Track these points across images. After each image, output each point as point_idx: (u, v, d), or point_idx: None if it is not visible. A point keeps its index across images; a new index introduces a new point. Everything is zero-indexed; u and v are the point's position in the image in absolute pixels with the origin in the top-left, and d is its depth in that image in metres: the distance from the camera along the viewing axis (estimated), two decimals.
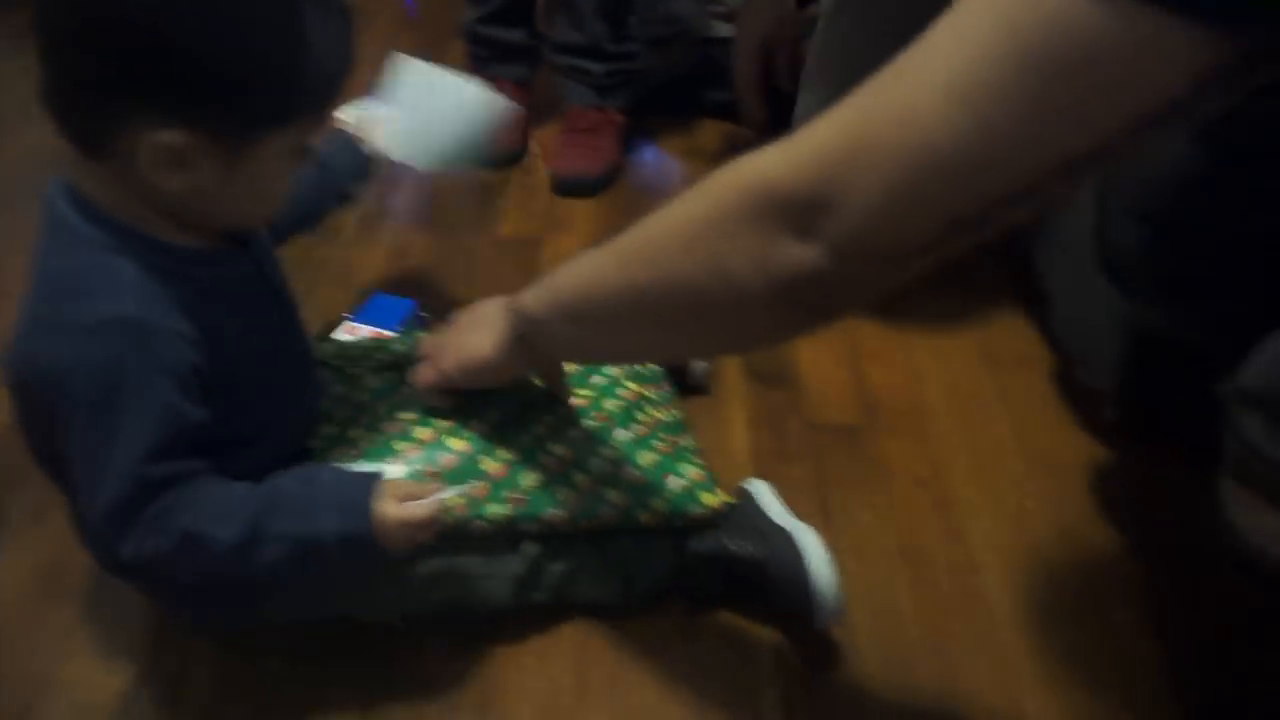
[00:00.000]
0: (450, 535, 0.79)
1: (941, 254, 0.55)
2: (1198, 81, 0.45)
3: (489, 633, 0.86)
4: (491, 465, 0.84)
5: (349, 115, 1.06)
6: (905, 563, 0.95)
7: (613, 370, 0.96)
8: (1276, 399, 0.68)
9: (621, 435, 0.90)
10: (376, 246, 1.40)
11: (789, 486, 0.94)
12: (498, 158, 1.59)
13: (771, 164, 0.58)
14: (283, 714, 0.80)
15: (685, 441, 0.92)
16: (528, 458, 0.85)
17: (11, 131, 1.63)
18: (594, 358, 0.92)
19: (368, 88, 1.12)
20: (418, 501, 0.72)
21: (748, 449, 1.08)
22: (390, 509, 0.71)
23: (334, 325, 1.14)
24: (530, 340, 0.79)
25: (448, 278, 1.34)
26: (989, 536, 0.98)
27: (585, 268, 0.72)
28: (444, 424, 0.86)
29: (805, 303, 0.59)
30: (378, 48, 1.97)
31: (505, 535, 0.83)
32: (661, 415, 0.94)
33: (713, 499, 0.87)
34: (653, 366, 1.03)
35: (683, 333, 0.70)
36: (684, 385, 1.08)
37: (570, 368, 0.94)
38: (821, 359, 1.19)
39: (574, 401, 0.92)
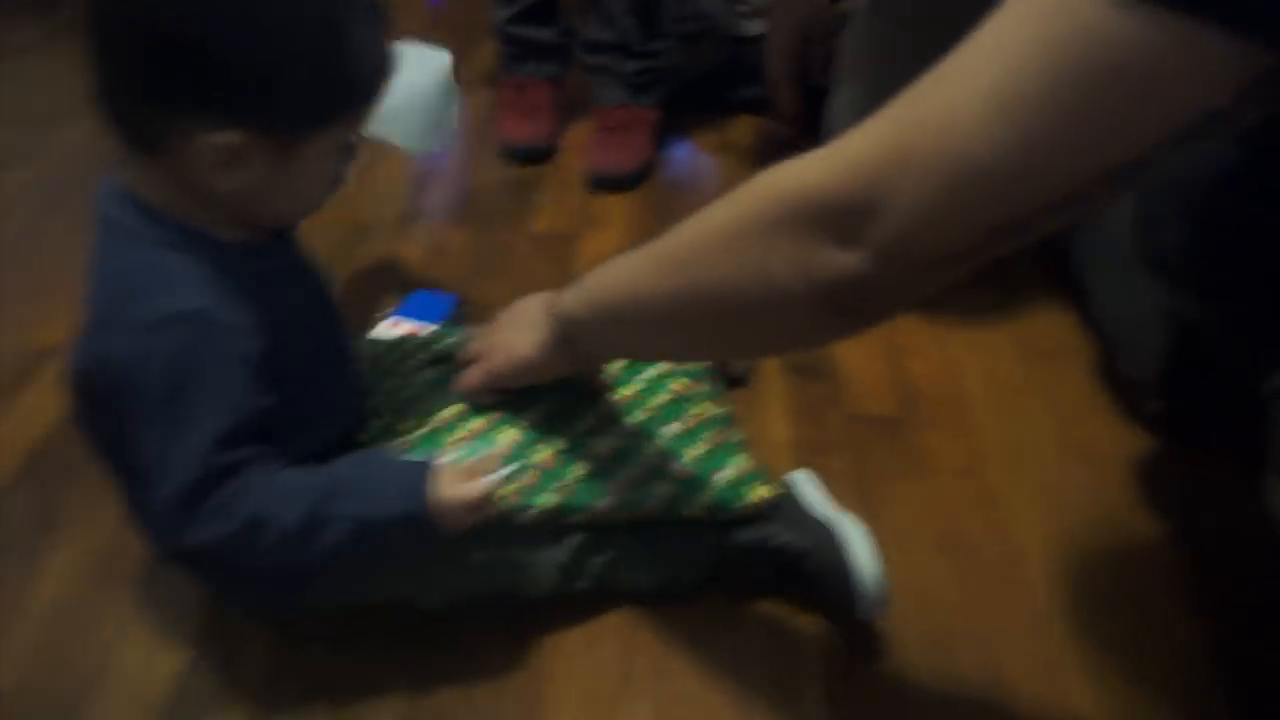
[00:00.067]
0: (498, 524, 0.80)
1: (983, 259, 0.55)
2: (1237, 92, 0.45)
3: (536, 620, 0.87)
4: (540, 456, 0.85)
5: None
6: (947, 553, 0.95)
7: (661, 366, 0.97)
8: None
9: (669, 429, 0.90)
10: (414, 243, 1.42)
11: (829, 478, 0.94)
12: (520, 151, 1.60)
13: (811, 171, 0.58)
14: (333, 699, 0.81)
15: (733, 436, 0.93)
16: (576, 449, 0.86)
17: (51, 130, 1.66)
18: (636, 357, 0.93)
19: None
20: (472, 482, 0.74)
21: (787, 441, 1.08)
22: (446, 490, 0.72)
23: (374, 321, 1.15)
24: (573, 341, 0.80)
25: (484, 273, 1.35)
26: (1031, 527, 0.98)
27: (625, 271, 0.73)
28: (493, 417, 0.87)
29: (847, 307, 0.60)
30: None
31: (552, 525, 0.84)
32: (709, 410, 0.94)
33: (760, 492, 0.87)
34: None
35: (723, 336, 0.71)
36: (724, 378, 1.08)
37: (618, 364, 0.95)
38: (860, 351, 1.19)
39: (622, 395, 0.92)
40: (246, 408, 0.69)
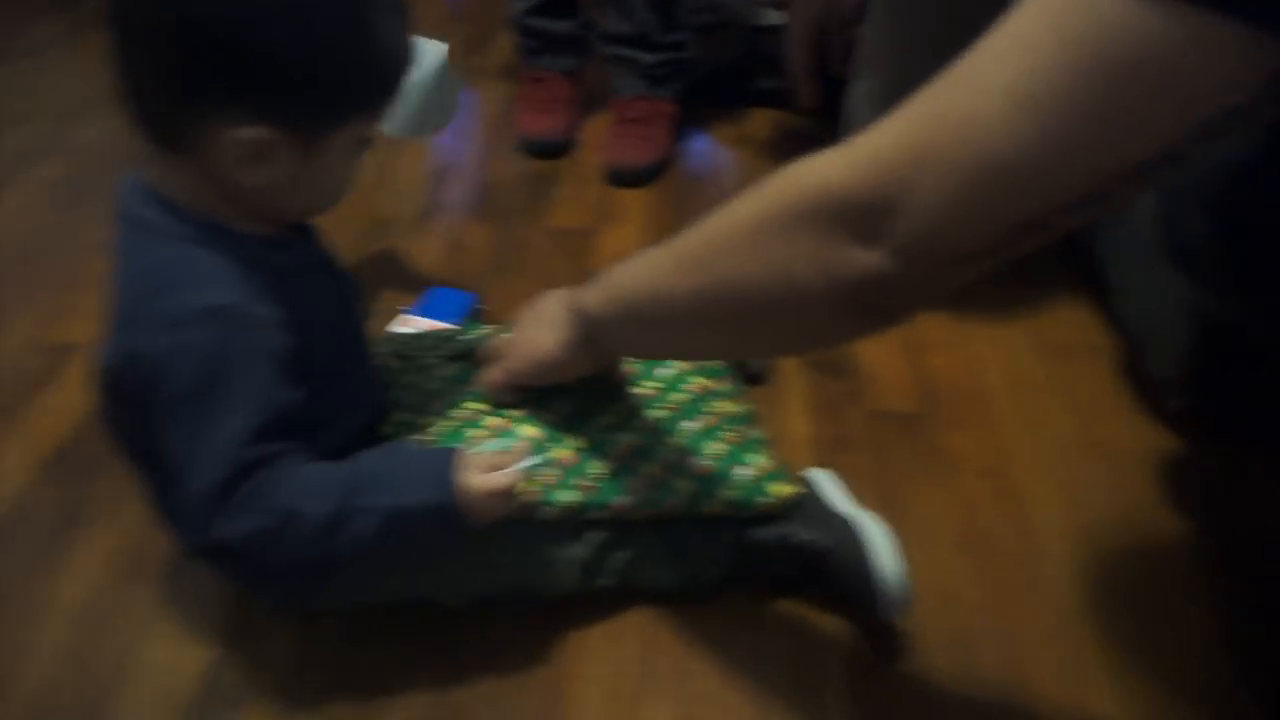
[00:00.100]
0: (520, 521, 0.80)
1: (1004, 257, 0.55)
2: (1261, 87, 0.45)
3: (557, 618, 0.87)
4: (561, 453, 0.85)
5: None
6: (969, 552, 0.95)
7: (679, 363, 0.97)
8: None
9: (689, 426, 0.90)
10: (432, 238, 1.42)
11: (850, 476, 0.94)
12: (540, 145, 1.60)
13: (832, 168, 0.58)
14: (356, 694, 0.82)
15: (753, 433, 0.92)
16: (597, 446, 0.86)
17: (74, 126, 1.67)
18: (657, 356, 0.93)
19: None
20: (499, 471, 0.74)
21: (808, 438, 1.08)
22: (473, 479, 0.73)
23: (394, 318, 1.15)
24: (594, 340, 0.80)
25: (502, 269, 1.35)
26: (1054, 526, 0.97)
27: (645, 269, 0.73)
28: (514, 413, 0.88)
29: (869, 306, 0.59)
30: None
31: (573, 522, 0.84)
32: (729, 407, 0.94)
33: (781, 489, 0.87)
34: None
35: (744, 335, 0.71)
36: (743, 376, 1.08)
37: (637, 361, 0.95)
38: (881, 348, 1.19)
39: (641, 392, 0.92)
40: (275, 402, 0.70)
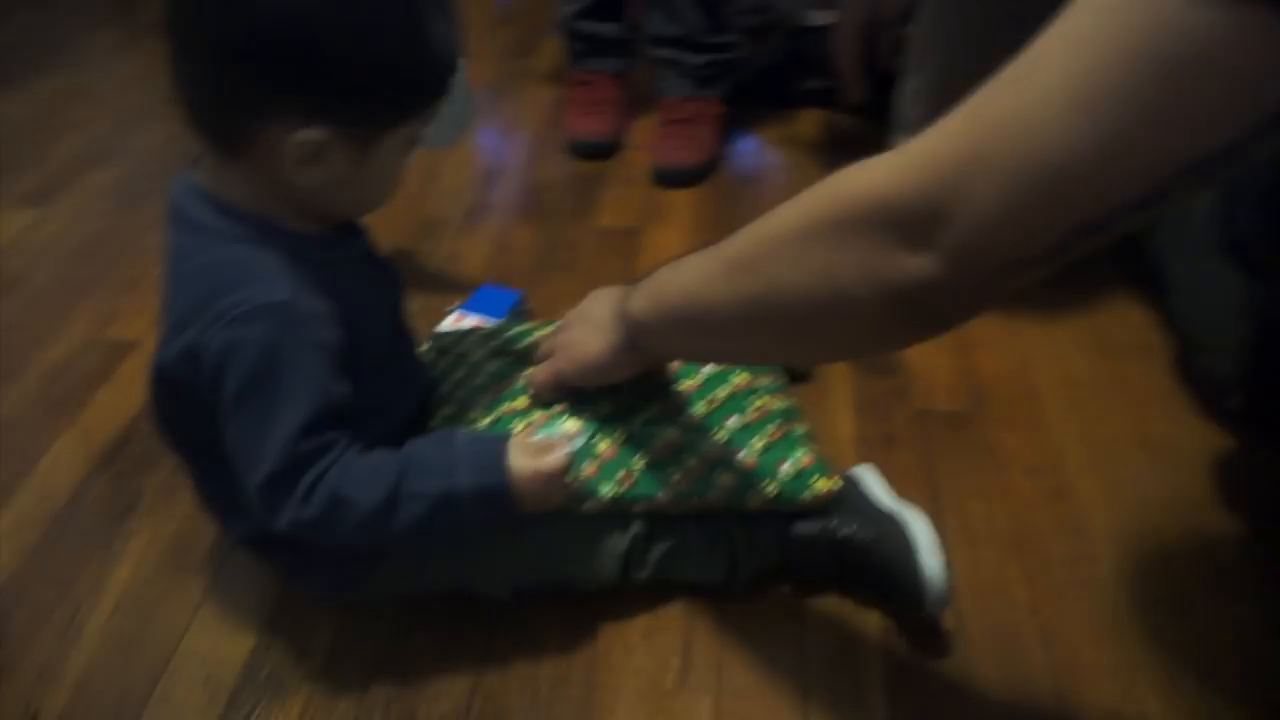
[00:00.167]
0: (564, 510, 0.81)
1: (1058, 262, 0.53)
2: None
3: (596, 610, 0.87)
4: (604, 446, 0.85)
5: None
6: (1018, 552, 0.93)
7: None
8: None
9: (733, 420, 0.90)
10: (480, 238, 1.43)
11: (896, 473, 0.93)
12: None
13: (880, 175, 0.57)
14: (395, 683, 0.83)
15: (798, 428, 0.92)
16: (639, 439, 0.86)
17: (133, 132, 1.71)
18: (704, 360, 0.93)
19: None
20: (550, 455, 0.74)
21: (853, 435, 1.06)
22: (524, 462, 0.73)
23: (442, 315, 1.16)
24: (640, 345, 0.80)
25: (550, 269, 1.36)
26: (1106, 527, 0.95)
27: (692, 274, 0.72)
28: (556, 409, 0.88)
29: (918, 314, 0.58)
30: (474, 44, 2.02)
31: (614, 515, 0.84)
32: (774, 403, 0.93)
33: (824, 485, 0.86)
34: None
35: (791, 342, 0.70)
36: (787, 373, 1.07)
37: None
38: (928, 346, 1.14)
39: (685, 388, 0.92)
40: (328, 394, 0.71)
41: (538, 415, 0.88)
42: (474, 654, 0.85)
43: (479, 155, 1.65)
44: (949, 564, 0.82)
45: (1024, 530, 0.95)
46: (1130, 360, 1.15)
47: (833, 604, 0.88)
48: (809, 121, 1.71)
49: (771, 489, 0.85)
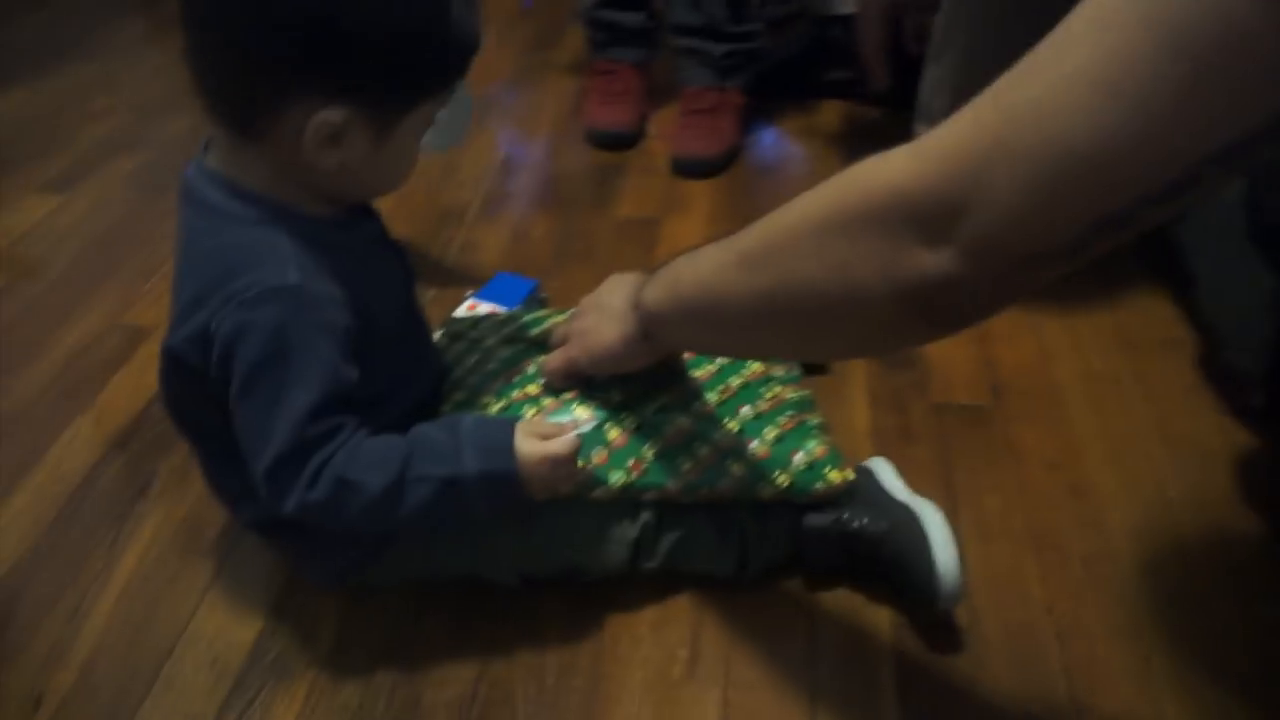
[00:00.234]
0: (573, 497, 0.80)
1: (1080, 258, 0.52)
2: None
3: (604, 600, 0.86)
4: (614, 433, 0.84)
5: None
6: (1035, 548, 0.91)
7: None
8: None
9: (746, 410, 0.89)
10: (498, 227, 1.42)
11: (912, 467, 0.92)
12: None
13: (898, 167, 0.55)
14: (401, 670, 0.82)
15: (812, 419, 0.90)
16: (651, 427, 0.85)
17: (156, 121, 1.72)
18: (716, 354, 0.92)
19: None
20: (558, 440, 0.74)
21: (869, 428, 1.05)
22: (531, 446, 0.73)
23: (458, 302, 1.16)
24: (653, 336, 0.80)
25: (567, 258, 1.35)
26: (1126, 525, 0.93)
27: (705, 266, 0.71)
28: (569, 395, 0.87)
29: (933, 311, 0.57)
30: (495, 35, 2.02)
31: (624, 502, 0.83)
32: (788, 393, 0.92)
33: (837, 475, 0.85)
34: None
35: (804, 338, 0.69)
36: (804, 364, 1.06)
37: None
38: (948, 339, 1.14)
39: (698, 376, 0.91)
40: (337, 379, 0.71)
41: (549, 401, 0.87)
42: (481, 642, 0.84)
43: (498, 145, 1.64)
44: (963, 558, 0.81)
45: (1041, 527, 0.94)
46: (1153, 356, 1.13)
47: (844, 598, 0.87)
48: (831, 113, 1.69)
49: (783, 479, 0.84)
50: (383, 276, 0.83)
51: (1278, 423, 1.01)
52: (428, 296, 1.00)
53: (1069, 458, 1.01)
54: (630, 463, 0.83)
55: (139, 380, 1.13)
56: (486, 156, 1.61)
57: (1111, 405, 1.07)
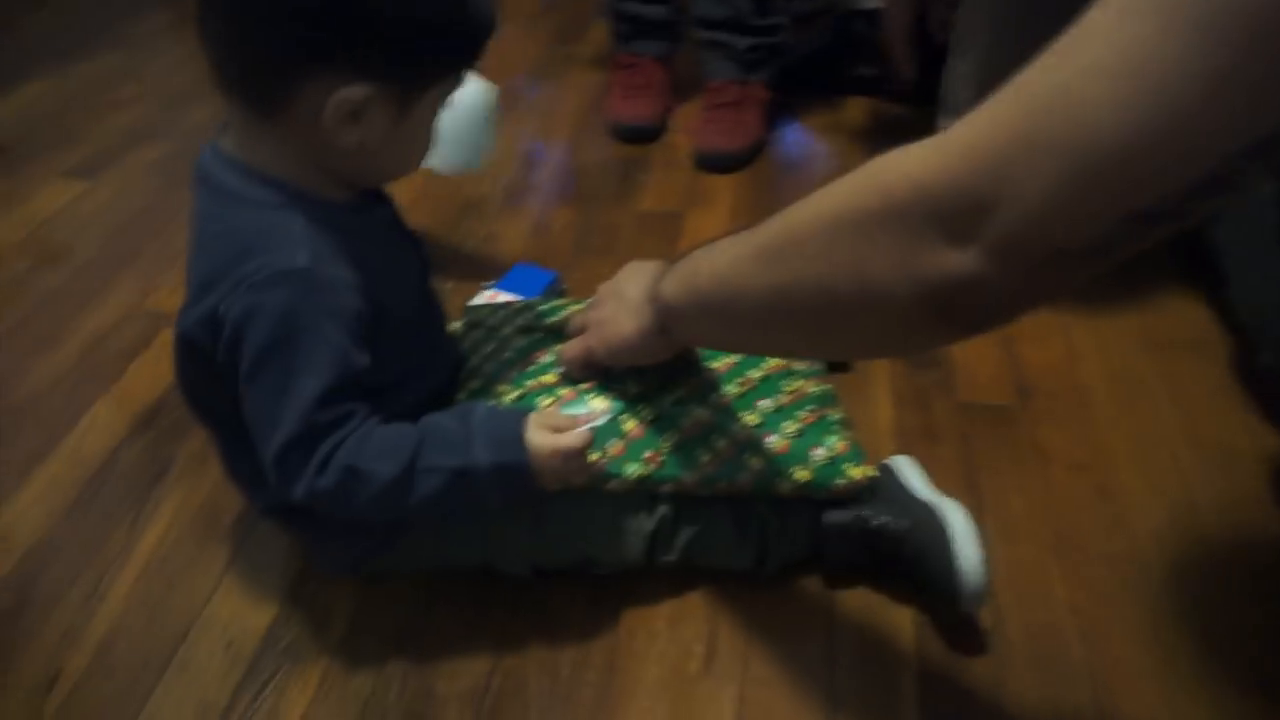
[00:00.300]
0: (589, 488, 0.79)
1: (1107, 259, 0.50)
2: None
3: (621, 596, 0.86)
4: (631, 424, 0.83)
5: None
6: (1060, 550, 0.90)
7: None
8: None
9: (765, 403, 0.87)
10: (519, 219, 1.42)
11: (935, 467, 0.90)
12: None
13: (920, 162, 0.54)
14: (413, 658, 0.82)
15: (833, 414, 0.89)
16: (668, 419, 0.84)
17: (179, 110, 1.73)
18: (732, 351, 0.90)
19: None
20: (570, 432, 0.73)
21: (892, 427, 1.04)
22: (542, 438, 0.72)
23: (476, 292, 1.15)
24: (671, 330, 0.79)
25: (588, 251, 1.34)
26: (1152, 527, 0.92)
27: (722, 260, 0.70)
28: (584, 386, 0.87)
29: (956, 311, 0.55)
30: (519, 28, 2.01)
31: (641, 494, 0.82)
32: (809, 387, 0.91)
33: (858, 472, 0.84)
34: None
35: (821, 336, 0.67)
36: (827, 361, 1.05)
37: None
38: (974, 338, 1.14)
39: (717, 368, 0.90)
40: (348, 364, 0.70)
41: (565, 391, 0.86)
42: (495, 634, 0.83)
43: (521, 138, 1.64)
44: (987, 558, 0.80)
45: (1066, 528, 0.92)
46: (1183, 357, 1.11)
47: (864, 597, 0.86)
48: (856, 109, 1.67)
49: (803, 475, 0.83)
50: (397, 263, 0.82)
51: None
52: (447, 287, 0.99)
53: (1095, 459, 0.99)
54: (647, 454, 0.82)
55: (159, 365, 1.13)
56: (508, 149, 1.61)
57: (1139, 407, 1.06)
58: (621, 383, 0.87)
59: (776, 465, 0.83)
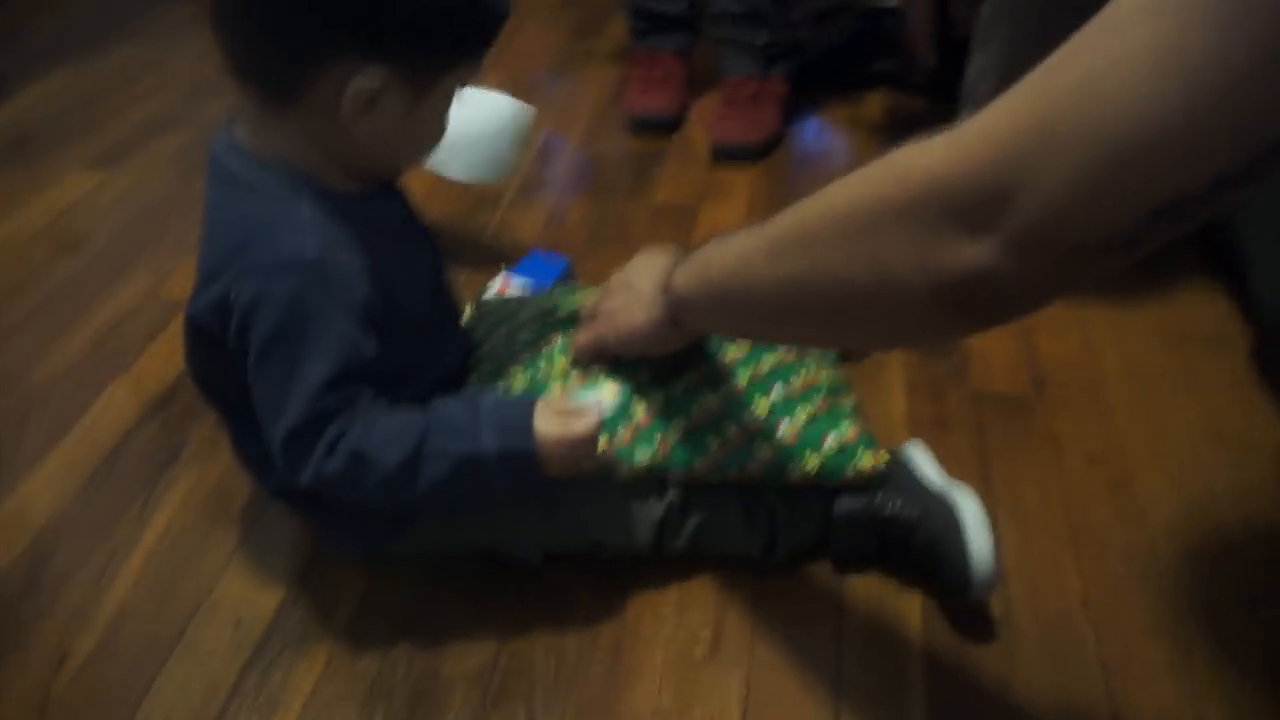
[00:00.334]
0: (598, 475, 0.79)
1: (1128, 253, 0.49)
2: None
3: (628, 580, 0.85)
4: (641, 411, 0.83)
5: None
6: (1074, 542, 0.89)
7: None
8: None
9: (777, 391, 0.87)
10: (534, 210, 1.42)
11: (948, 456, 0.89)
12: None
13: (939, 153, 0.53)
14: (421, 641, 0.82)
15: (846, 401, 0.88)
16: (678, 406, 0.84)
17: (199, 102, 1.74)
18: (746, 339, 0.90)
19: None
20: (578, 420, 0.73)
21: (904, 416, 1.03)
22: (550, 426, 0.72)
23: (490, 279, 1.15)
24: (682, 322, 0.78)
25: (603, 243, 1.34)
26: (1167, 519, 0.91)
27: (736, 252, 0.69)
28: (594, 372, 0.86)
29: (973, 305, 0.54)
30: (539, 23, 2.02)
31: (650, 480, 0.82)
32: (820, 375, 0.90)
33: (870, 459, 0.83)
34: None
35: (834, 328, 0.67)
36: (841, 350, 1.04)
37: None
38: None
39: (729, 356, 0.89)
40: (355, 351, 0.70)
41: (576, 376, 0.86)
42: (502, 616, 0.83)
43: (539, 131, 1.64)
44: (998, 548, 0.79)
45: (1080, 519, 0.91)
46: (1202, 350, 1.10)
47: (874, 584, 0.85)
48: (875, 103, 1.66)
49: (814, 462, 0.82)
50: (409, 254, 0.82)
51: None
52: (460, 278, 1.00)
53: (1111, 451, 0.98)
54: (657, 441, 0.82)
55: (175, 350, 1.14)
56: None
57: (1156, 399, 1.04)
58: (632, 369, 0.86)
59: (787, 453, 0.83)
